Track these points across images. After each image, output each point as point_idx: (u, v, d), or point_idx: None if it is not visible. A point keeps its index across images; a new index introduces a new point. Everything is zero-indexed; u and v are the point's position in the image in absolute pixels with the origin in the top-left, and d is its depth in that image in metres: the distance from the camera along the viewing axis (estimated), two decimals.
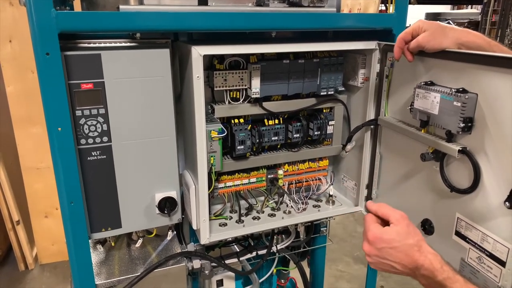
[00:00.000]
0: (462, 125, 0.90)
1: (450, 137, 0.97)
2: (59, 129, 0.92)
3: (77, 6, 1.29)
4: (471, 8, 9.82)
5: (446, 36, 0.96)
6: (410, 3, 1.38)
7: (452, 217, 1.01)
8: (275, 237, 1.47)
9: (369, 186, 1.38)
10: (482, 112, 0.89)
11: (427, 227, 1.11)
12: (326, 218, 1.51)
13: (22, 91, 2.62)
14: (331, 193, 1.45)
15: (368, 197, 1.40)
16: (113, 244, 1.24)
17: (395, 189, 1.26)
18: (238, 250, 1.45)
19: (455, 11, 10.34)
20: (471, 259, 0.96)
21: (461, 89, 0.92)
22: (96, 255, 1.22)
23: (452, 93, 0.92)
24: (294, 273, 1.73)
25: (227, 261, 1.39)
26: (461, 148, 0.93)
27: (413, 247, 0.86)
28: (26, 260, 2.94)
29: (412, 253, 0.86)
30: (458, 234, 1.00)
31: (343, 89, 1.34)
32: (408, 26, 1.09)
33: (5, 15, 2.52)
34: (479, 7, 7.97)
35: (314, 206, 1.43)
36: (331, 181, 1.46)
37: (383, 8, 4.69)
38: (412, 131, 1.10)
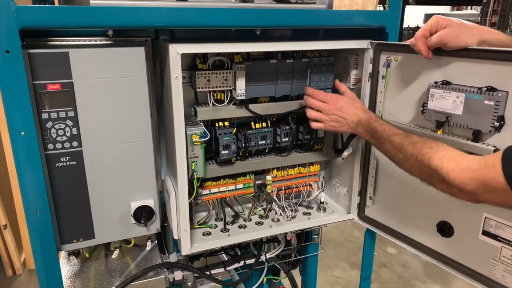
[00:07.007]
0: (496, 124, 0.88)
1: (477, 136, 0.94)
2: (22, 133, 0.86)
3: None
4: (471, 9, 9.77)
5: (470, 32, 0.92)
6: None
7: (477, 217, 0.98)
8: (265, 245, 1.40)
9: (362, 193, 1.31)
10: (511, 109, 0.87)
11: (445, 229, 1.06)
12: (317, 227, 1.44)
13: None
14: (322, 200, 1.38)
15: (362, 204, 1.33)
16: (87, 255, 1.16)
17: (399, 194, 1.20)
18: (225, 259, 1.38)
19: (455, 12, 10.29)
20: (505, 257, 0.94)
21: (489, 87, 0.89)
22: (70, 267, 1.15)
23: (482, 92, 0.89)
24: (286, 282, 1.65)
25: (213, 271, 1.32)
26: (495, 148, 0.90)
27: (361, 107, 1.10)
28: (14, 265, 2.86)
29: (357, 111, 1.08)
30: (486, 233, 0.97)
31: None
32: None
33: None
34: (479, 8, 7.91)
35: (305, 214, 1.36)
36: (322, 187, 1.39)
37: (381, 8, 4.63)
38: (428, 133, 1.04)
